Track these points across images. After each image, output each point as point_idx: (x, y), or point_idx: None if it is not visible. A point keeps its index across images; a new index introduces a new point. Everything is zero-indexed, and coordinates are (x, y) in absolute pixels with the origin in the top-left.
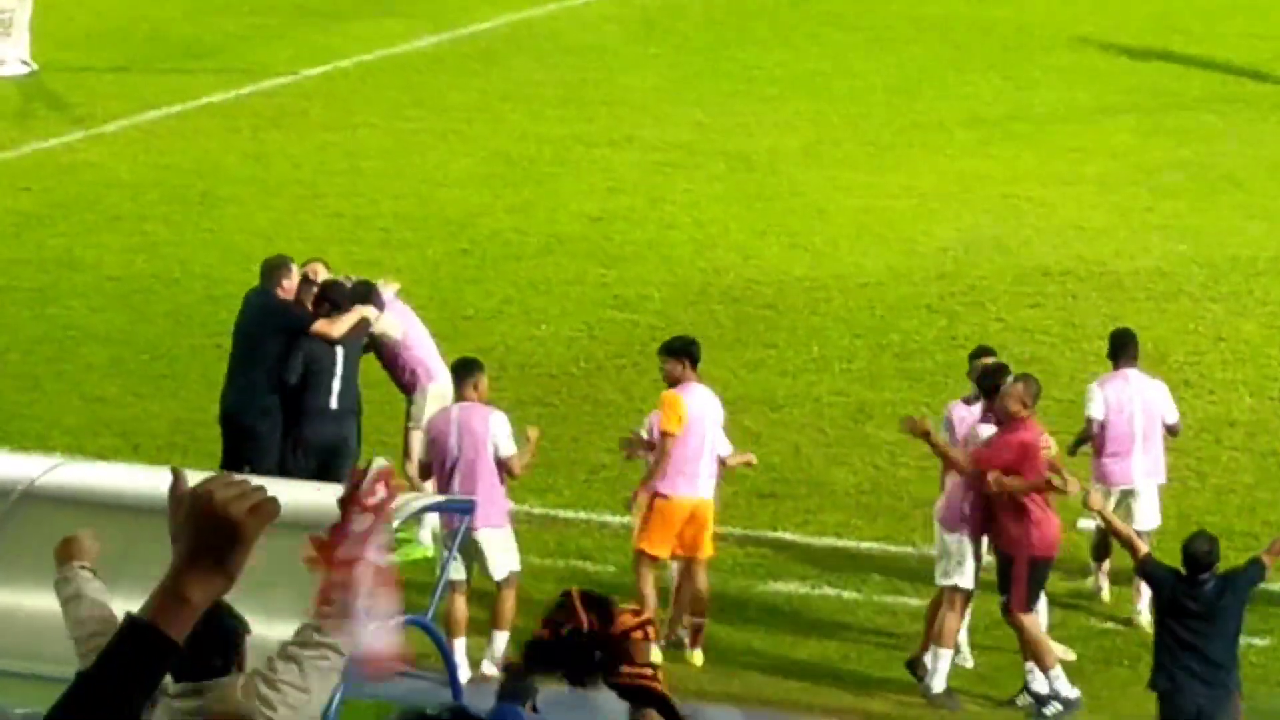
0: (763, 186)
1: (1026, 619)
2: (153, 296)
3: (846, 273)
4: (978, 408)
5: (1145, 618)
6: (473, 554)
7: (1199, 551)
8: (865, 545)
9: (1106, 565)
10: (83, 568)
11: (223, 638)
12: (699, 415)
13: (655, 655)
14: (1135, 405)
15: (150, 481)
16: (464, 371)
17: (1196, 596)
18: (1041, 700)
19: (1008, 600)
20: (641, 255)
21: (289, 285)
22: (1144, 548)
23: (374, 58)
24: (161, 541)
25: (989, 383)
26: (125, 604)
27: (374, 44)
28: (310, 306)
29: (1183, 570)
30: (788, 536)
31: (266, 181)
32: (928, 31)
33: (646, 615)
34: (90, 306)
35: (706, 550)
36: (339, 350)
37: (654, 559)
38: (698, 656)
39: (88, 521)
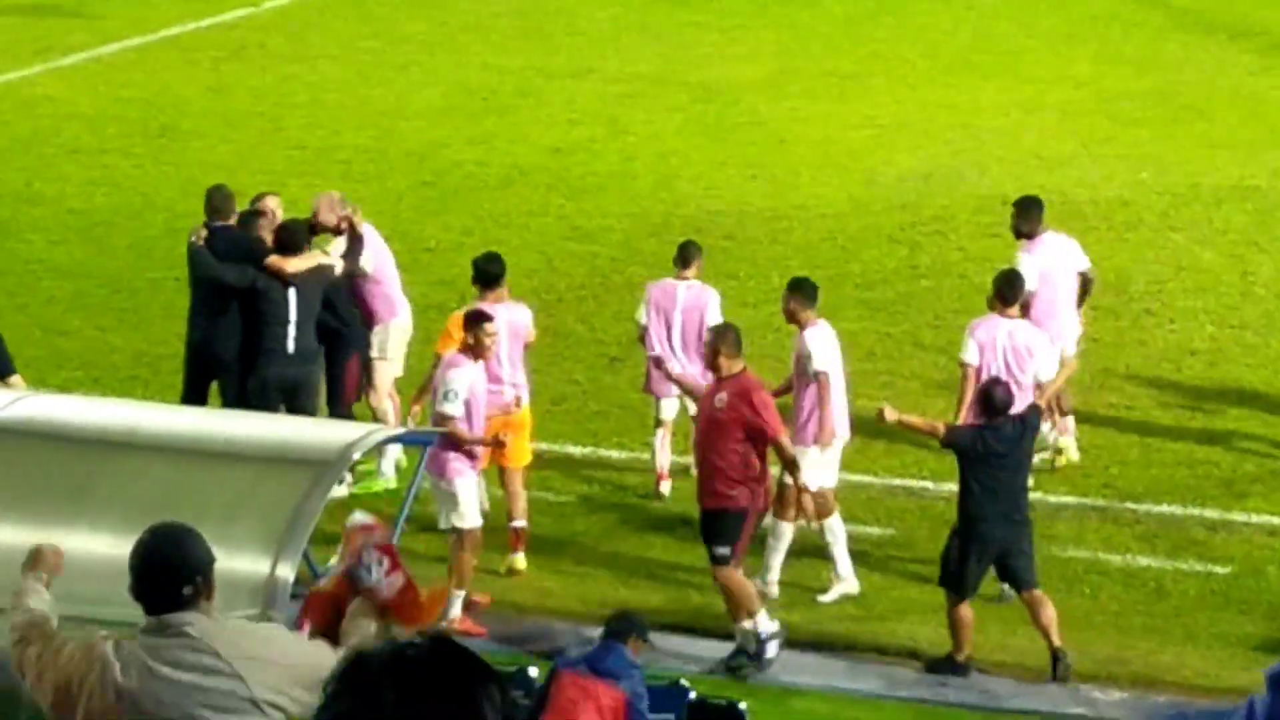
0: (723, 117)
1: (736, 574)
2: (113, 230)
3: (807, 203)
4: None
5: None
6: None
7: (999, 397)
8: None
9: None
10: (38, 579)
11: (193, 568)
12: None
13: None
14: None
15: (112, 414)
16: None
17: (1000, 439)
18: (760, 649)
19: (728, 554)
20: (602, 187)
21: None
22: (942, 426)
23: None
24: (122, 474)
25: None
26: (88, 537)
27: None
28: (271, 243)
29: (983, 419)
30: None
31: (227, 114)
32: None
33: None
34: (51, 240)
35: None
36: (292, 292)
37: None
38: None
39: (48, 456)
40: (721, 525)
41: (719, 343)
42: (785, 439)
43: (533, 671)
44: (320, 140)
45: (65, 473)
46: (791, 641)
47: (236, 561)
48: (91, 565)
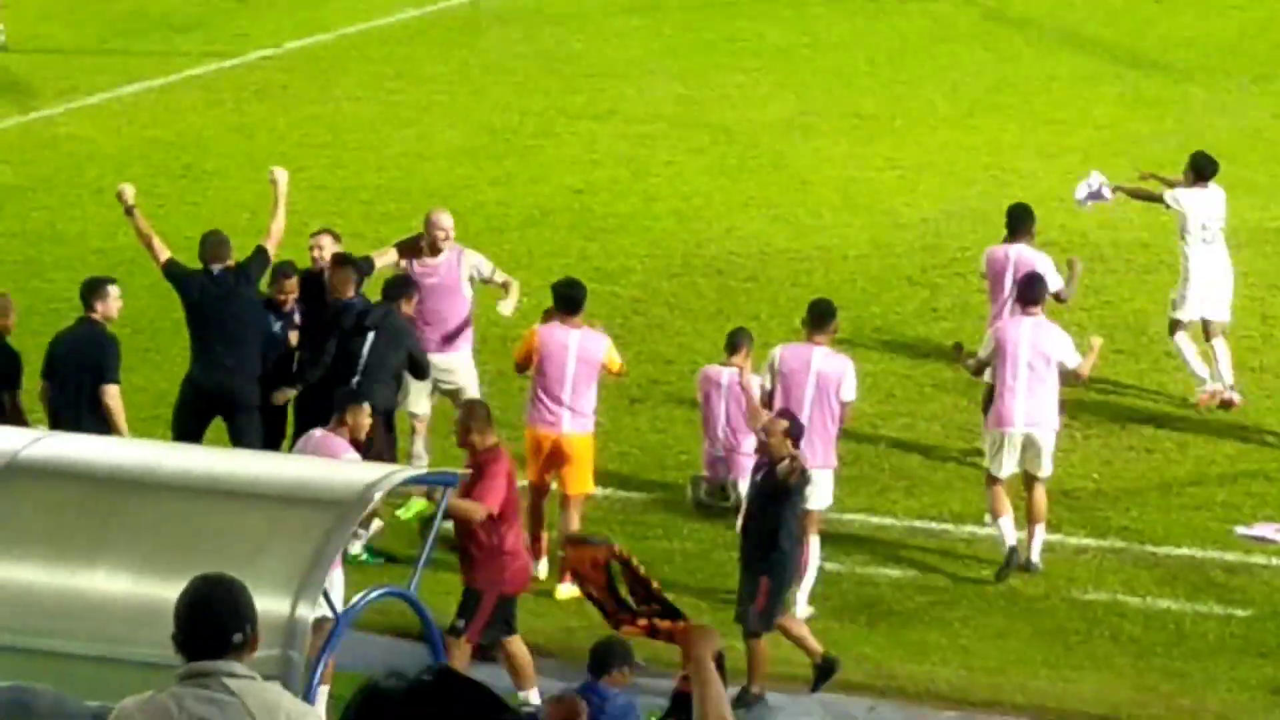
0: (745, 158)
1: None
2: (136, 269)
3: (829, 245)
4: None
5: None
6: None
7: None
8: (847, 517)
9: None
10: None
11: (244, 617)
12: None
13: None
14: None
15: (133, 454)
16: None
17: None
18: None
19: (459, 627)
20: (624, 227)
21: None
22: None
23: (356, 30)
24: (143, 514)
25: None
26: (108, 576)
27: (356, 16)
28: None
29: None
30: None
31: (250, 154)
32: (910, 3)
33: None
34: (74, 279)
35: None
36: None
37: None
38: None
39: (71, 495)
40: (464, 599)
41: (470, 419)
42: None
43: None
44: (342, 180)
45: (86, 512)
46: (810, 682)
47: (257, 602)
48: (112, 605)
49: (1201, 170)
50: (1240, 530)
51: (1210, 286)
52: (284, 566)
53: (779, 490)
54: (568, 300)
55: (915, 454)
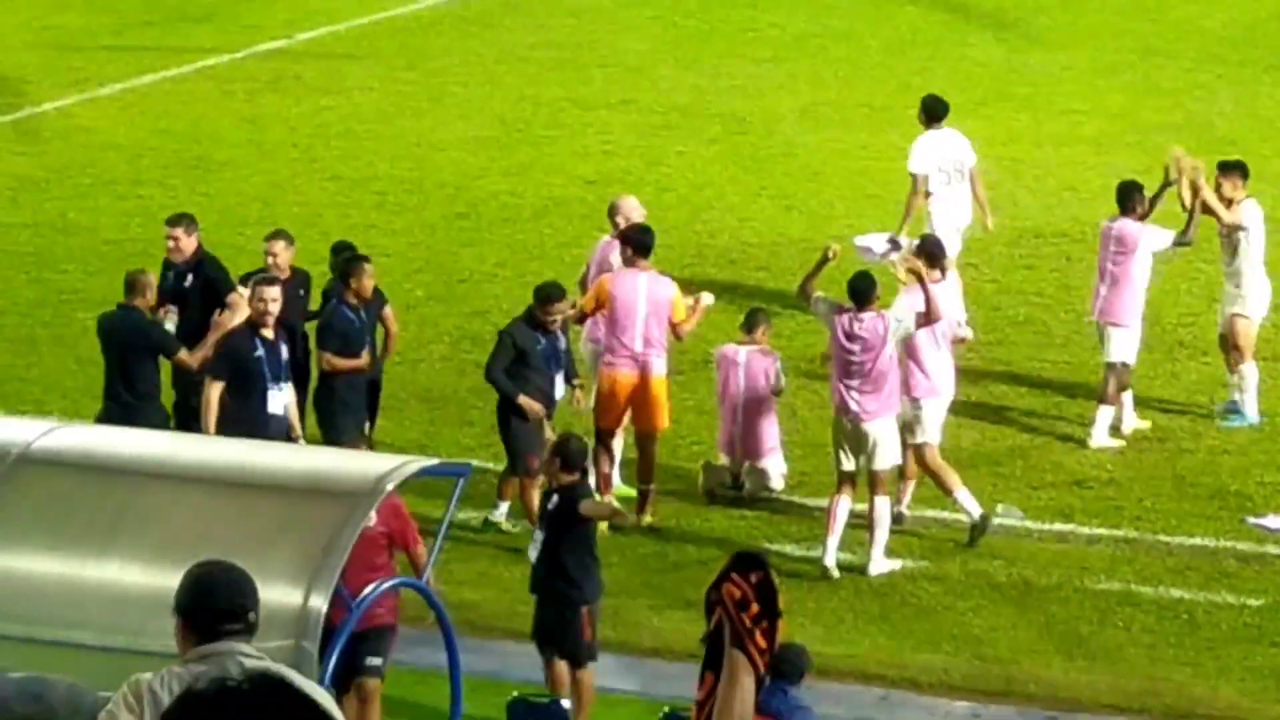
0: (758, 149)
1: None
2: (148, 260)
3: (841, 234)
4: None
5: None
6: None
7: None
8: (860, 507)
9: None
10: None
11: (246, 601)
12: None
13: None
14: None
15: (147, 445)
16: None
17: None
18: None
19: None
20: None
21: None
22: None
23: (369, 21)
24: (156, 505)
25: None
26: (121, 568)
27: (369, 7)
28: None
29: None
30: (783, 498)
31: (262, 145)
32: None
33: None
34: (86, 271)
35: None
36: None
37: None
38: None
39: (84, 485)
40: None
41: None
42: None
43: (565, 703)
44: (355, 171)
45: (100, 503)
46: (823, 672)
47: (270, 592)
48: (126, 595)
49: (933, 112)
50: (1252, 520)
51: (949, 225)
52: (297, 557)
53: (566, 518)
54: (639, 244)
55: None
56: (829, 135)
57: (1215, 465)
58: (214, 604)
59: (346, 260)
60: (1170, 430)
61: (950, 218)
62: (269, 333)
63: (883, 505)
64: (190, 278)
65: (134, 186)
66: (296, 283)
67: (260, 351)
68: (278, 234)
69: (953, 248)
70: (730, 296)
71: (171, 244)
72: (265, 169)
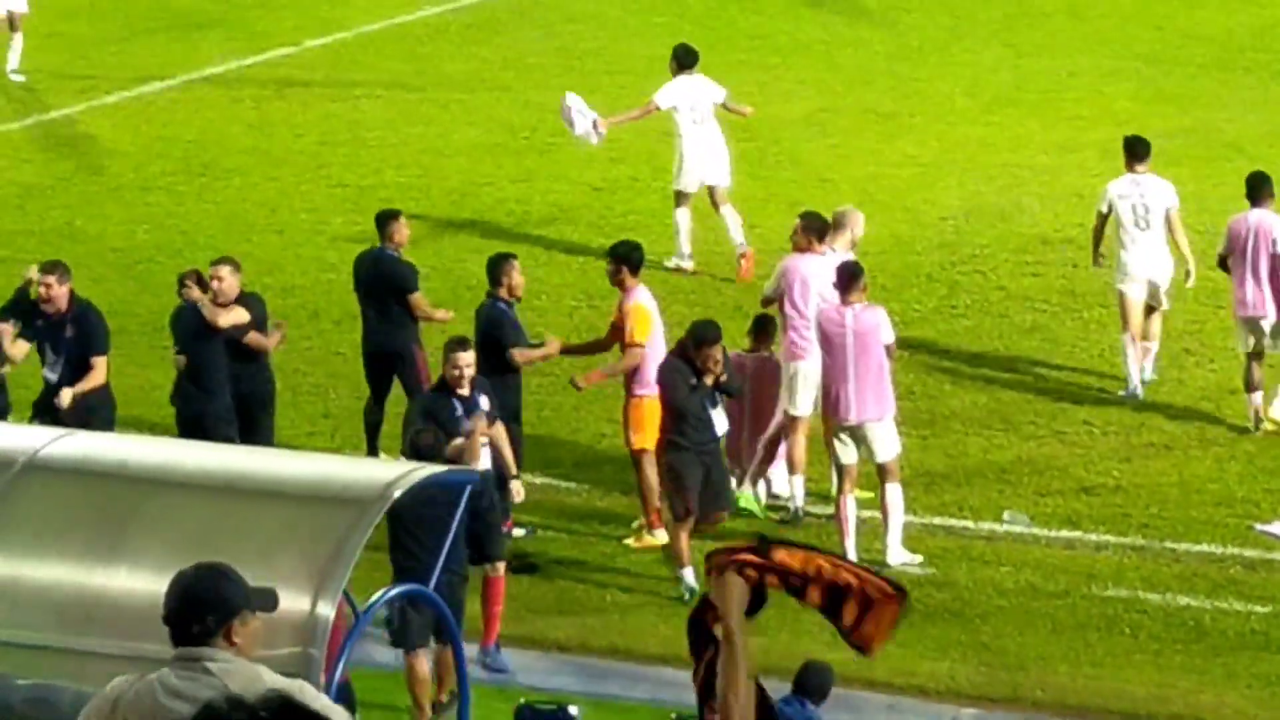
0: (765, 155)
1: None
2: (155, 267)
3: None
4: None
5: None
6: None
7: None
8: (865, 513)
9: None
10: None
11: (215, 606)
12: None
13: None
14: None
15: (153, 452)
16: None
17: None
18: None
19: None
20: (644, 225)
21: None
22: None
23: (376, 28)
24: (163, 512)
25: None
26: (128, 575)
27: (376, 14)
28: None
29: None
30: (785, 502)
31: (269, 152)
32: (929, 0)
33: None
34: (92, 278)
35: None
36: None
37: None
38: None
39: (90, 492)
40: None
41: None
42: None
43: (573, 710)
44: (362, 178)
45: (106, 510)
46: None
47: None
48: (132, 602)
49: (681, 60)
50: (1259, 527)
51: (703, 160)
52: (304, 565)
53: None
54: (633, 262)
55: (934, 451)
56: (836, 142)
57: (1222, 472)
58: (164, 611)
59: (493, 261)
60: (1177, 437)
61: (699, 156)
62: (464, 392)
63: (894, 492)
64: (69, 328)
65: (141, 194)
66: (254, 303)
67: (460, 412)
68: (224, 260)
69: (708, 175)
70: (737, 303)
71: (44, 290)
72: (273, 176)
